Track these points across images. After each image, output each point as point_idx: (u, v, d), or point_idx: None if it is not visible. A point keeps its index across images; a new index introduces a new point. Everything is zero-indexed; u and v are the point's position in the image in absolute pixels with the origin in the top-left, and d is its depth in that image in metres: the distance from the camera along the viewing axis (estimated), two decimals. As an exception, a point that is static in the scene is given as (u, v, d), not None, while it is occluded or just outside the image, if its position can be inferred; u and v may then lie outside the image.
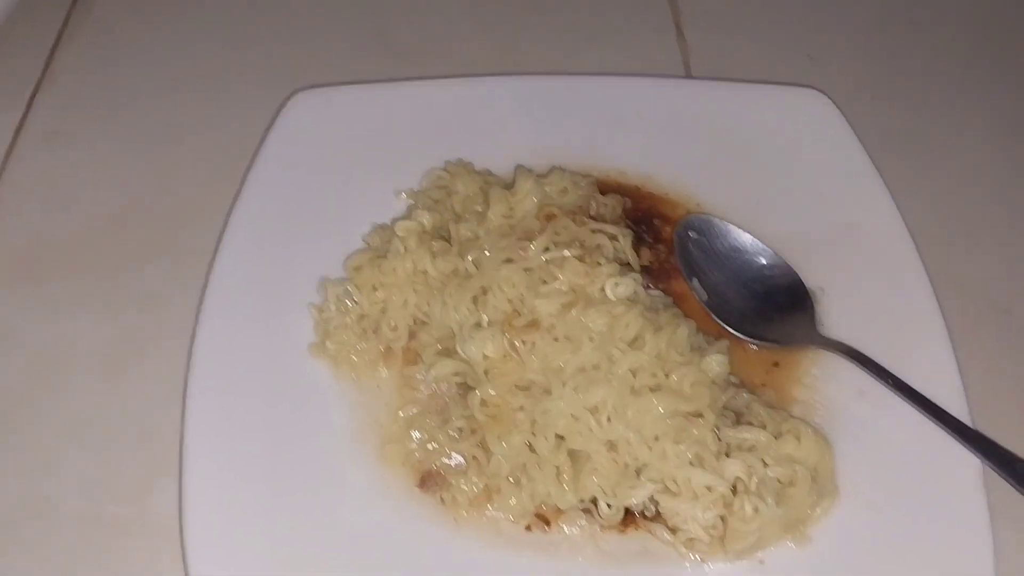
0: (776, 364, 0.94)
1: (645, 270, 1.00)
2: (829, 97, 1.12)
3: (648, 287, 0.96)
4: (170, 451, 0.86)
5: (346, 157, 1.06)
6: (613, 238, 0.95)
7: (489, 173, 1.05)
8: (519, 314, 0.87)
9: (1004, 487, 0.81)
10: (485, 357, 0.86)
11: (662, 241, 1.04)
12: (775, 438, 0.83)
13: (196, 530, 0.79)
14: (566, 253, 0.90)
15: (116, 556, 0.84)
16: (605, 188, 1.06)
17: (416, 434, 0.88)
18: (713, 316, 0.96)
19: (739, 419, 0.87)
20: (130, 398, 0.93)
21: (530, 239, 0.91)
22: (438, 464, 0.86)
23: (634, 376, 0.84)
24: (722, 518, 0.81)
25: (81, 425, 0.91)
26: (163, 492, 0.86)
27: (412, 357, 0.93)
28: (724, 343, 0.90)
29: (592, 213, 1.00)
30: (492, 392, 0.85)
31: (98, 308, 0.99)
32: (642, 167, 1.10)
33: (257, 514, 0.81)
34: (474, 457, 0.85)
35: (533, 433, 0.83)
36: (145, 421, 0.91)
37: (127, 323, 0.98)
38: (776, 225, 1.03)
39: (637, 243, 1.01)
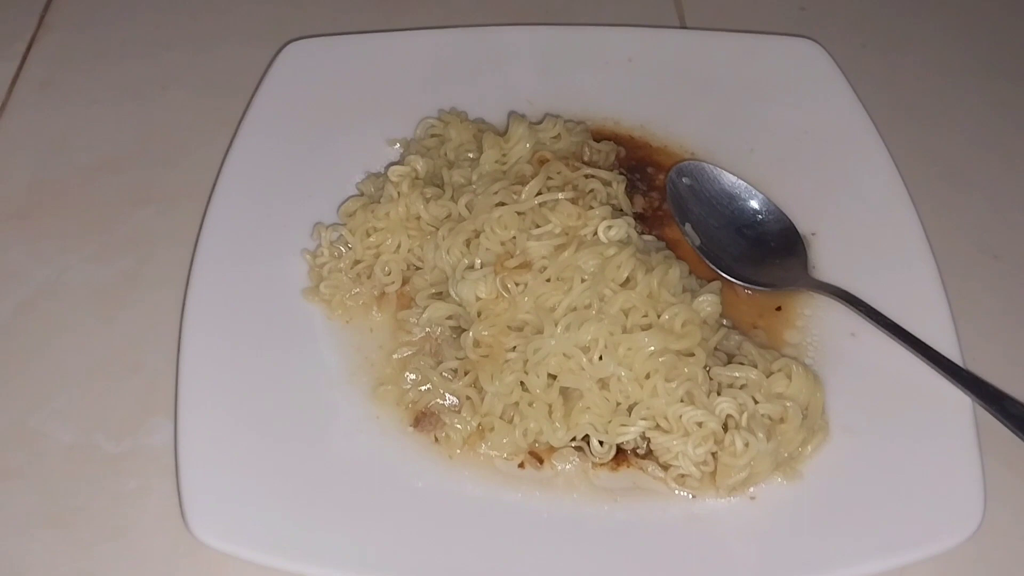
0: (779, 308, 0.94)
1: (638, 217, 1.00)
2: (822, 46, 1.12)
3: (641, 233, 0.96)
4: (164, 389, 0.87)
5: (339, 107, 1.07)
6: (606, 183, 0.95)
7: (483, 122, 1.06)
8: (511, 256, 0.87)
9: (993, 424, 0.82)
10: (478, 298, 0.87)
11: (655, 189, 1.04)
12: (766, 376, 0.84)
13: (191, 467, 0.79)
14: (559, 196, 0.90)
15: (107, 490, 0.84)
16: (599, 137, 1.07)
17: (410, 375, 0.88)
18: (705, 260, 0.97)
19: (730, 360, 0.87)
20: (125, 337, 0.94)
21: (523, 183, 0.92)
22: (432, 404, 0.87)
23: (626, 316, 0.84)
24: (713, 454, 0.81)
25: (76, 362, 0.92)
26: (156, 430, 0.87)
27: (406, 301, 0.93)
28: (716, 285, 0.91)
29: (585, 159, 1.00)
30: (485, 332, 0.85)
31: (94, 249, 1.00)
32: (637, 117, 1.10)
33: (251, 453, 0.82)
34: (467, 397, 0.86)
35: (525, 372, 0.84)
36: (139, 359, 0.92)
37: (122, 264, 0.99)
38: (769, 172, 1.03)
39: (631, 190, 1.02)
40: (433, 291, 0.91)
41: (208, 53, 1.18)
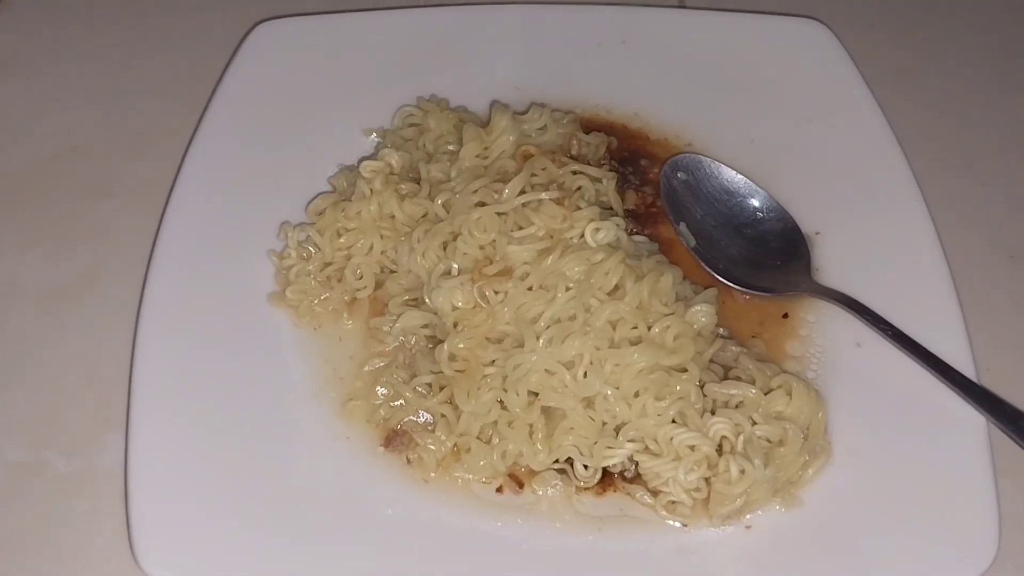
0: (786, 315, 0.88)
1: (630, 214, 0.94)
2: (829, 28, 1.04)
3: (633, 232, 0.90)
4: (121, 403, 0.80)
5: (312, 93, 1.00)
6: (596, 180, 0.89)
7: (465, 110, 0.99)
8: (491, 261, 0.81)
9: (1010, 446, 0.76)
10: (454, 308, 0.81)
11: (649, 183, 0.97)
12: (764, 394, 0.78)
13: (141, 495, 0.74)
14: (543, 196, 0.83)
15: (56, 513, 0.79)
16: (590, 126, 1.00)
17: (381, 390, 0.82)
18: (701, 263, 0.90)
19: (727, 373, 0.81)
20: (81, 344, 0.88)
21: (505, 181, 0.85)
22: (405, 422, 0.81)
23: (613, 328, 0.78)
24: (706, 480, 0.76)
25: (27, 371, 0.86)
26: (111, 447, 0.81)
27: (379, 307, 0.87)
28: (712, 292, 0.84)
29: (573, 153, 0.94)
30: (461, 345, 0.79)
31: (48, 246, 0.94)
32: (630, 104, 1.03)
33: (208, 477, 0.76)
34: (442, 415, 0.80)
35: (504, 389, 0.78)
36: (96, 370, 0.86)
37: (80, 263, 0.93)
38: (770, 164, 0.96)
39: (622, 185, 0.95)
40: (408, 297, 0.85)
41: (174, 34, 1.12)
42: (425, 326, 0.83)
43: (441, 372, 0.80)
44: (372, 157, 0.91)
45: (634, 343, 0.78)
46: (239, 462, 0.77)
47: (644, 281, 0.79)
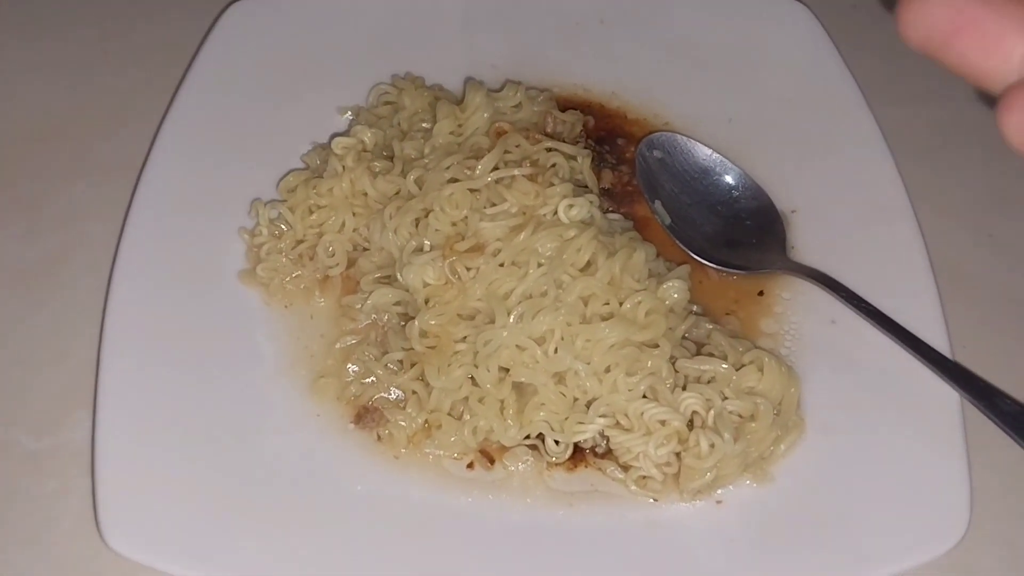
0: (761, 293, 0.88)
1: (606, 193, 0.93)
2: (809, 8, 1.04)
3: (608, 211, 0.89)
4: (90, 381, 0.79)
5: (286, 72, 0.99)
6: (570, 157, 0.88)
7: (441, 88, 0.98)
8: (463, 237, 0.80)
9: (983, 422, 0.75)
10: (425, 284, 0.80)
11: (625, 162, 0.96)
12: (736, 369, 0.77)
13: (108, 469, 0.73)
14: (516, 172, 0.83)
15: (24, 491, 0.78)
16: (568, 105, 0.99)
17: (352, 367, 0.81)
18: (676, 240, 0.90)
19: (699, 350, 0.81)
20: (51, 323, 0.87)
21: (478, 157, 0.84)
22: (375, 399, 0.80)
23: (585, 304, 0.78)
24: (676, 455, 0.75)
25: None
26: (80, 424, 0.80)
27: (351, 286, 0.86)
28: (685, 269, 0.84)
29: (548, 131, 0.93)
30: (432, 322, 0.79)
31: (22, 227, 0.93)
32: (608, 83, 1.02)
33: (176, 454, 0.75)
34: (413, 391, 0.79)
35: (475, 365, 0.77)
36: (66, 348, 0.85)
37: (51, 243, 0.92)
38: (748, 144, 0.96)
39: (598, 164, 0.94)
40: (380, 275, 0.85)
41: (148, 11, 1.10)
42: (397, 303, 0.83)
43: (412, 349, 0.80)
44: (345, 134, 0.90)
45: (606, 319, 0.77)
46: (208, 439, 0.76)
47: (616, 257, 0.79)
